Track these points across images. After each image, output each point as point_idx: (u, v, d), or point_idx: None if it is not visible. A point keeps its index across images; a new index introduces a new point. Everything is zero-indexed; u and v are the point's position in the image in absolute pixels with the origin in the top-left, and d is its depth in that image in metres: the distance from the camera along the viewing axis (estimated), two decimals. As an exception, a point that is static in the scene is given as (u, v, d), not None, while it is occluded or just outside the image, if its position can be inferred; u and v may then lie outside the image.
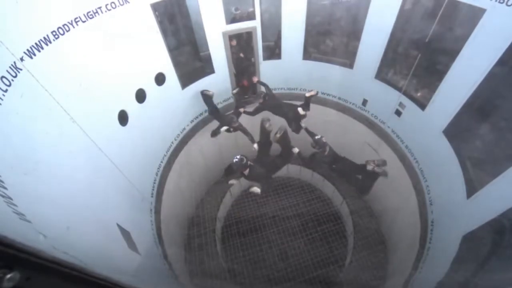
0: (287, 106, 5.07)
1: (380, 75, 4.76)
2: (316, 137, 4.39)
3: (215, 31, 4.69)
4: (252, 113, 5.26)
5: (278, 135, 4.45)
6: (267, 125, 4.60)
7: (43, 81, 2.22)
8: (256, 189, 4.11)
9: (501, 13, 2.77)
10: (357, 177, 4.92)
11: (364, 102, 5.30)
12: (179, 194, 5.35)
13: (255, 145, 4.72)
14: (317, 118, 6.00)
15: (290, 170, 7.31)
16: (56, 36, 2.41)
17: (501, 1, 2.75)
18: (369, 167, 4.39)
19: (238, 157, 3.78)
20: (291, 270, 5.73)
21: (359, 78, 5.05)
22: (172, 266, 4.08)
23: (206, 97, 5.10)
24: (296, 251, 6.04)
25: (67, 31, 2.53)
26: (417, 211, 4.35)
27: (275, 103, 5.09)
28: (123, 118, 3.49)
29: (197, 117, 5.43)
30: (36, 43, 2.20)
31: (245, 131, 4.85)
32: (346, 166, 4.69)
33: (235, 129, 4.88)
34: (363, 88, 5.14)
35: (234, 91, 5.57)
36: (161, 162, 4.65)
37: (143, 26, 3.70)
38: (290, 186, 7.24)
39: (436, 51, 3.87)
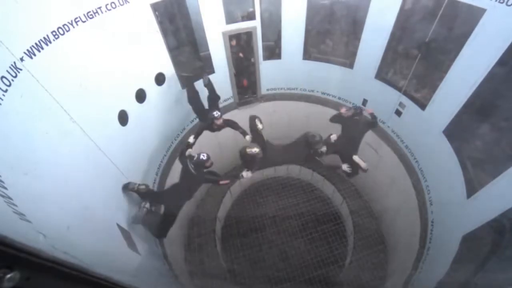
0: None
1: (380, 75, 4.76)
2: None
3: (215, 31, 4.69)
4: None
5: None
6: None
7: (43, 81, 2.22)
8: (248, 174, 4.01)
9: (501, 13, 2.77)
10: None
11: (364, 102, 5.30)
12: (179, 194, 5.34)
13: (248, 137, 4.30)
14: (317, 118, 6.00)
15: (290, 170, 7.32)
16: (56, 36, 2.41)
17: (501, 1, 2.75)
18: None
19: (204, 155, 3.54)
20: (291, 270, 5.73)
21: (359, 78, 5.05)
22: (172, 266, 4.07)
23: (185, 79, 4.49)
24: (296, 251, 6.04)
25: (67, 31, 2.53)
26: (417, 211, 4.35)
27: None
28: (123, 118, 3.48)
29: (197, 117, 5.43)
30: (36, 43, 2.20)
31: (235, 126, 4.41)
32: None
33: (220, 128, 4.31)
34: (363, 88, 5.14)
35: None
36: (161, 162, 4.65)
37: (143, 26, 3.70)
38: (290, 186, 7.24)
39: (436, 51, 3.87)
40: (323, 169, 6.96)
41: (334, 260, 5.83)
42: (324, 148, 3.88)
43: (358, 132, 4.29)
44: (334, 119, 4.36)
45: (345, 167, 4.10)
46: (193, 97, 4.61)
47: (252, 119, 4.23)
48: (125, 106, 3.53)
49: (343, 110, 4.18)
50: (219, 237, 6.09)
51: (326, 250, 5.99)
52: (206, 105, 4.88)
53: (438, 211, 3.97)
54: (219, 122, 4.23)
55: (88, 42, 2.82)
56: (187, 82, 4.57)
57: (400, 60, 4.57)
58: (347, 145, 4.27)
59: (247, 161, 3.92)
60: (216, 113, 4.18)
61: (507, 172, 2.78)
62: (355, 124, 4.18)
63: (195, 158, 3.56)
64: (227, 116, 5.80)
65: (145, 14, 3.68)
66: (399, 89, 4.51)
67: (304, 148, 3.99)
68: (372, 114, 4.16)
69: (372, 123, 4.20)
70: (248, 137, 4.37)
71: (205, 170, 3.64)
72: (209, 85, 4.59)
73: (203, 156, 3.52)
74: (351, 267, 5.35)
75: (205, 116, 4.45)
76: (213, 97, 4.73)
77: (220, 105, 5.73)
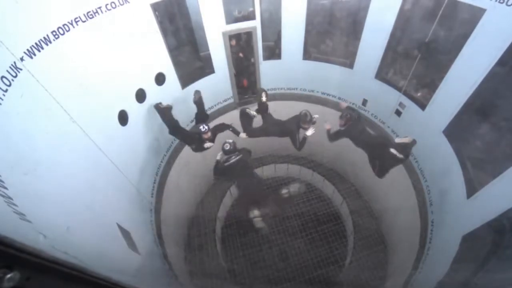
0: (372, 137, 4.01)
1: (380, 75, 4.76)
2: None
3: (215, 31, 4.69)
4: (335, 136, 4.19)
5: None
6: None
7: (43, 81, 2.22)
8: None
9: (501, 13, 2.77)
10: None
11: (364, 102, 5.30)
12: (179, 194, 5.34)
13: (242, 134, 4.49)
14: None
15: (290, 170, 7.31)
16: (56, 36, 2.41)
17: (501, 1, 2.75)
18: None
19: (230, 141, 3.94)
20: (291, 270, 5.73)
21: (359, 78, 5.05)
22: (172, 266, 4.08)
23: (164, 111, 4.03)
24: (296, 251, 6.03)
25: (67, 31, 2.53)
26: (417, 211, 4.35)
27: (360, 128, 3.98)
28: (123, 118, 3.49)
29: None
30: (36, 43, 2.20)
31: (223, 127, 4.45)
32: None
33: (211, 140, 4.19)
34: (363, 88, 5.14)
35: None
36: (161, 162, 4.66)
37: (143, 26, 3.70)
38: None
39: (436, 51, 3.87)
40: (322, 170, 7.00)
41: (334, 260, 5.83)
42: (310, 132, 4.06)
43: (363, 131, 4.02)
44: (335, 136, 4.18)
45: (309, 131, 4.05)
46: (175, 127, 4.25)
47: (260, 91, 4.58)
48: (125, 106, 3.53)
49: (327, 127, 4.19)
50: (219, 237, 6.09)
51: (326, 250, 5.98)
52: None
53: (438, 211, 3.96)
54: (207, 136, 4.08)
55: (88, 42, 2.82)
56: (166, 113, 4.09)
57: (400, 60, 4.57)
58: (372, 147, 4.03)
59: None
60: (203, 128, 3.98)
61: (507, 172, 2.77)
62: (355, 127, 3.96)
63: (228, 147, 3.94)
64: (226, 116, 5.82)
65: (145, 14, 3.68)
66: (399, 89, 4.51)
67: (298, 123, 4.19)
68: (347, 107, 4.26)
69: (354, 114, 3.97)
70: (242, 135, 4.54)
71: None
72: (199, 103, 4.47)
73: (230, 141, 3.99)
74: (351, 267, 5.35)
75: (193, 138, 4.28)
76: (202, 115, 4.64)
77: (220, 105, 5.75)
